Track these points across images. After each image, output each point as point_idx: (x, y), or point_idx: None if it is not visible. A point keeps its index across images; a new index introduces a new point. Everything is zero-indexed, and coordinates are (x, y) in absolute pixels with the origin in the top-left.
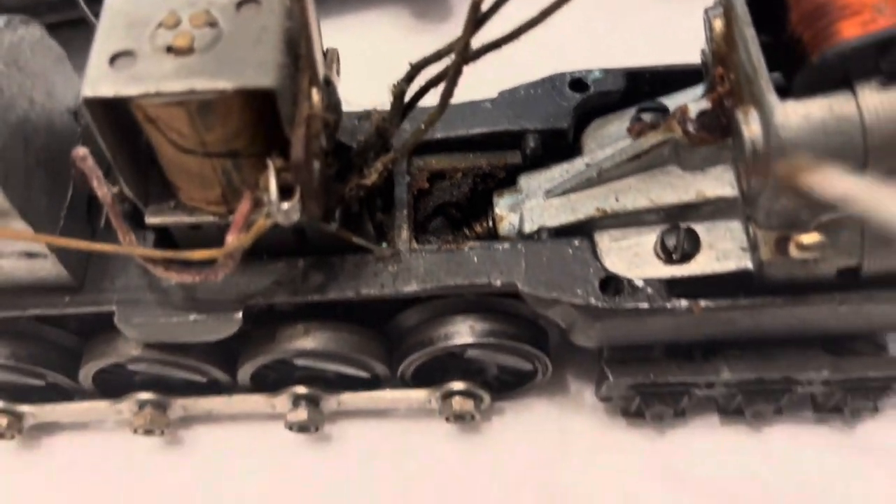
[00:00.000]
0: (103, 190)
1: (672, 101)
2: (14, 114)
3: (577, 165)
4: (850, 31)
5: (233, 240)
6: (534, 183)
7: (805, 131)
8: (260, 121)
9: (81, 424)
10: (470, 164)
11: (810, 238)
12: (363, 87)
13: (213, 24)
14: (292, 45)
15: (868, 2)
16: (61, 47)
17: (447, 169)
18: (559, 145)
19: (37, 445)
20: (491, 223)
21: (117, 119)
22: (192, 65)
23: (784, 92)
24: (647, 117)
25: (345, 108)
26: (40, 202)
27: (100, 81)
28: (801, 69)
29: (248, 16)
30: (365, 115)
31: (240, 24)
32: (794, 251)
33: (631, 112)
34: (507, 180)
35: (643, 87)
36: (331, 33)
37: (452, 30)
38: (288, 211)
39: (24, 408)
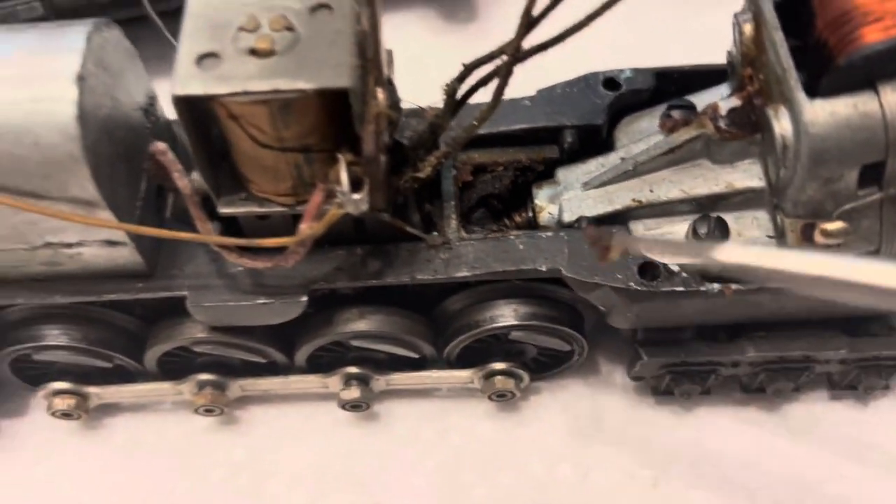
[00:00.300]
0: (183, 181)
1: (698, 99)
2: (102, 111)
3: (612, 159)
4: (873, 35)
5: (305, 228)
6: (571, 176)
7: (832, 127)
8: (332, 118)
9: (141, 406)
10: (510, 158)
11: (834, 226)
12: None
13: (290, 28)
14: (361, 48)
15: (890, 9)
16: (132, 45)
17: (489, 163)
18: (594, 140)
19: (100, 425)
20: (531, 213)
21: (199, 113)
22: (275, 66)
23: (810, 91)
24: (676, 114)
25: None
26: (122, 193)
27: (189, 81)
28: (827, 71)
29: (322, 20)
30: (413, 113)
31: (315, 27)
32: (819, 238)
33: (660, 109)
34: (546, 173)
35: (671, 86)
36: None
37: (478, 30)
38: (358, 201)
39: (91, 389)
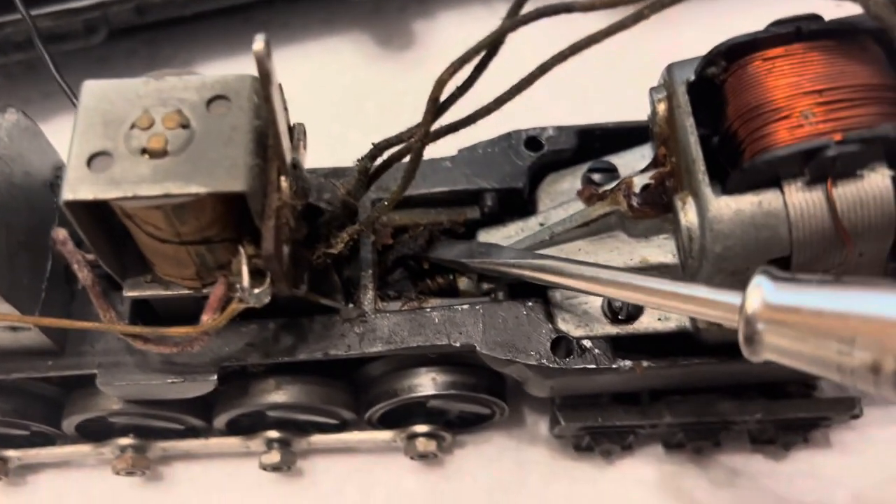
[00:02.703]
0: (83, 273)
1: (621, 159)
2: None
3: (531, 224)
4: (779, 136)
5: (208, 319)
6: (491, 239)
7: (736, 224)
8: (231, 212)
9: (65, 463)
10: (431, 219)
11: None
12: (327, 113)
13: (185, 125)
14: (262, 140)
15: (797, 107)
16: (35, 123)
17: (410, 224)
18: (515, 202)
19: (23, 483)
20: (451, 276)
21: (94, 208)
22: (167, 168)
23: (720, 178)
24: (596, 177)
25: (309, 138)
26: (23, 280)
27: (79, 185)
28: (734, 168)
29: (218, 114)
30: (332, 174)
31: (211, 123)
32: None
33: (583, 168)
34: (467, 234)
35: (594, 144)
36: (294, 60)
37: (414, 57)
38: (259, 294)
39: (10, 452)
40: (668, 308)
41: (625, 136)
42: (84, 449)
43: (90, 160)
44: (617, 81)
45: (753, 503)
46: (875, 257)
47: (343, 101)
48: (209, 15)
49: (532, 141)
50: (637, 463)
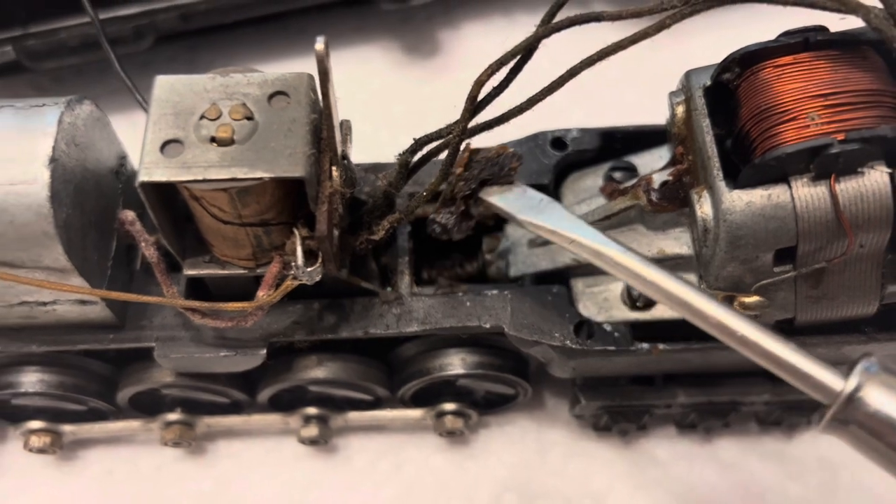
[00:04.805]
0: (150, 251)
1: (640, 160)
2: (73, 185)
3: None
4: (788, 135)
5: (263, 295)
6: (518, 232)
7: (747, 215)
8: (288, 196)
9: (114, 439)
10: None
11: (751, 299)
12: (358, 114)
13: (249, 117)
14: (316, 132)
15: (804, 110)
16: (105, 115)
17: None
18: None
19: (76, 458)
20: (481, 265)
21: (162, 192)
22: (234, 155)
23: (733, 175)
24: (617, 175)
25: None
26: (93, 258)
27: (154, 169)
28: (747, 163)
29: (278, 108)
30: (371, 168)
31: (272, 116)
32: (738, 309)
33: (604, 168)
34: (496, 227)
35: (615, 145)
36: None
37: (439, 64)
38: (312, 272)
39: (66, 427)
40: (756, 360)
41: (643, 138)
42: (134, 424)
43: (163, 146)
44: (630, 88)
45: (760, 482)
46: (875, 249)
47: (372, 104)
48: (247, 23)
49: (557, 141)
50: (651, 443)
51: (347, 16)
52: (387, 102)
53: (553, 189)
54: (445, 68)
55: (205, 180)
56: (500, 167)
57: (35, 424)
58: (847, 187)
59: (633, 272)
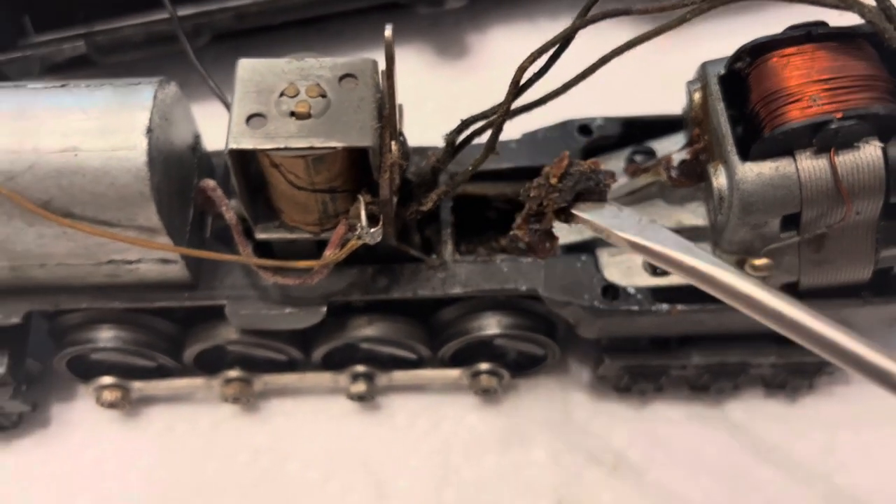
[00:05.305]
0: (230, 213)
1: (659, 145)
2: (164, 155)
3: None
4: (793, 114)
5: (330, 254)
6: None
7: (758, 185)
8: (354, 166)
9: (175, 397)
10: (499, 191)
11: (761, 261)
12: None
13: (323, 95)
14: (380, 109)
15: (808, 92)
16: (184, 95)
17: (480, 194)
18: None
19: (139, 414)
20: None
21: (244, 161)
22: (311, 127)
23: (744, 151)
24: (638, 158)
25: None
26: (176, 221)
27: (241, 138)
28: (756, 139)
29: (348, 88)
30: (418, 152)
31: (343, 94)
32: (748, 271)
33: (625, 152)
34: None
35: (635, 132)
36: None
37: (468, 65)
38: (374, 233)
39: (135, 383)
40: (841, 365)
41: (661, 126)
42: (197, 381)
43: (248, 119)
44: (643, 87)
45: (765, 441)
46: (869, 216)
47: (406, 100)
48: (290, 25)
49: (584, 128)
50: (667, 404)
51: (382, 20)
52: (419, 99)
53: None
54: (473, 69)
55: (286, 148)
56: (596, 182)
57: (107, 380)
58: (845, 160)
59: (750, 298)
